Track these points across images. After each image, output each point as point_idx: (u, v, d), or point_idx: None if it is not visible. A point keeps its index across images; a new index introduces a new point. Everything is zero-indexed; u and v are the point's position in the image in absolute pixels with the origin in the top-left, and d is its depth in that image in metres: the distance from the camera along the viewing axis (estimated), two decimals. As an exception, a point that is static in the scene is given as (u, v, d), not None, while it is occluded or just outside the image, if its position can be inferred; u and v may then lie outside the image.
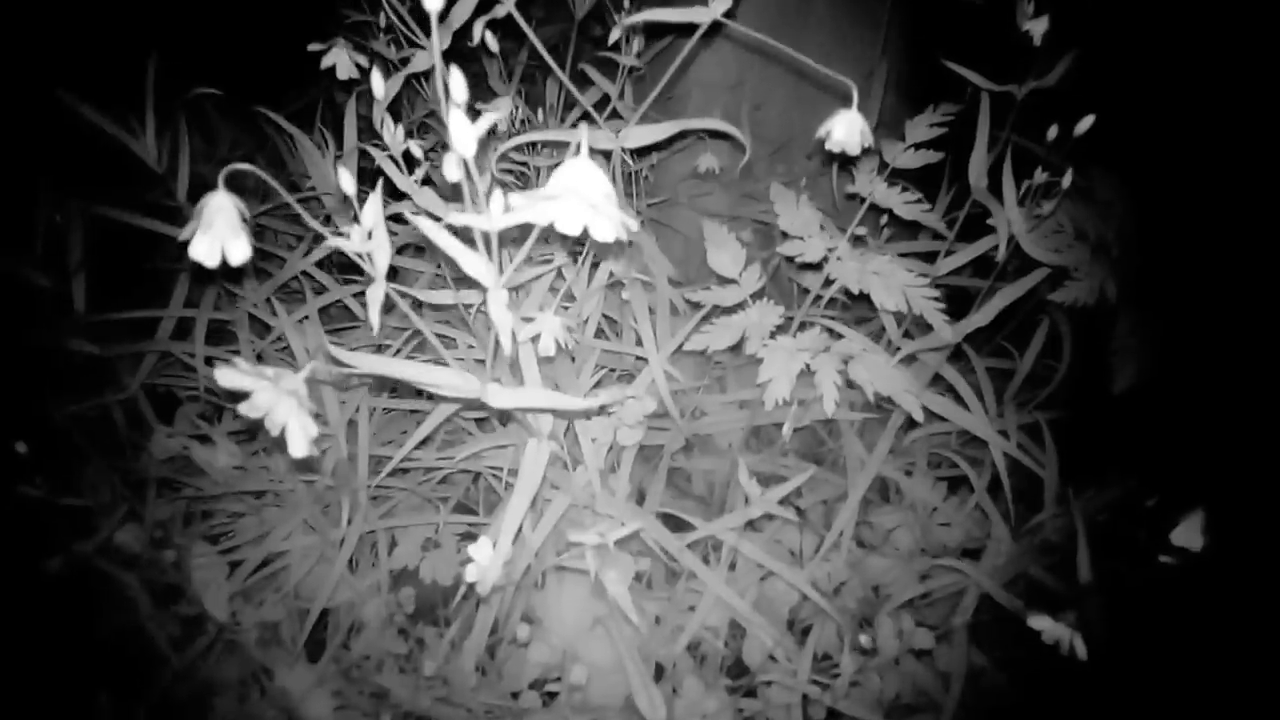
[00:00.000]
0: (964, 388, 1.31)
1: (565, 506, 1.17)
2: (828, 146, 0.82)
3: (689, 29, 0.88)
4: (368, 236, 0.62)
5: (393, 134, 0.92)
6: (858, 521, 1.40)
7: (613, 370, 1.38)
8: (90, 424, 1.29)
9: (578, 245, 1.24)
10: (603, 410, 1.14)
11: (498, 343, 0.70)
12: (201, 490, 1.30)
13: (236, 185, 0.60)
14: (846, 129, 0.80)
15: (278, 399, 0.55)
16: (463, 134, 0.53)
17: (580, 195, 0.51)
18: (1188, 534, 0.88)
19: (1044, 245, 1.07)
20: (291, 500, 1.29)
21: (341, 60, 1.12)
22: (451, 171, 0.55)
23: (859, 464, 1.41)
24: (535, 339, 0.98)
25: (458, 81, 0.53)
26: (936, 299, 1.13)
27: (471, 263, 0.61)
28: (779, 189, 1.24)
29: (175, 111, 1.21)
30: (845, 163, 1.45)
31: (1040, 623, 0.96)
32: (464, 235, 0.63)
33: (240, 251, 0.59)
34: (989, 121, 1.12)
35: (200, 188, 1.21)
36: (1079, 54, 1.00)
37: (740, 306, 1.22)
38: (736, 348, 1.22)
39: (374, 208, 0.61)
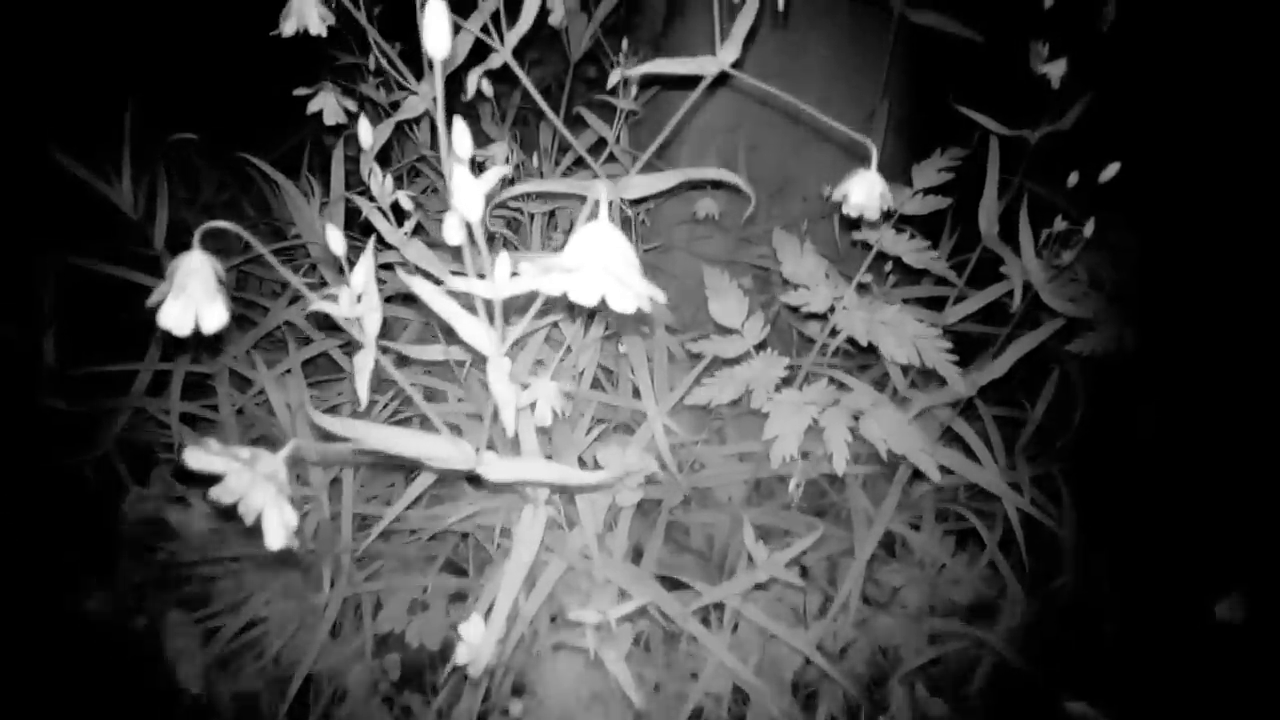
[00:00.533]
0: (974, 439, 1.26)
1: (561, 571, 1.11)
2: (845, 210, 0.78)
3: (692, 78, 0.85)
4: (357, 300, 0.56)
5: (381, 184, 0.87)
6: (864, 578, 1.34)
7: (610, 423, 1.33)
8: (62, 483, 1.22)
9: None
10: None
11: (495, 411, 0.65)
12: (176, 554, 1.23)
13: (218, 234, 0.55)
14: (866, 191, 0.76)
15: (253, 484, 0.50)
16: (468, 194, 0.48)
17: (601, 266, 0.46)
18: (1231, 608, 0.83)
19: (1061, 294, 1.04)
20: (271, 564, 1.22)
21: (329, 105, 1.08)
22: (453, 234, 0.50)
23: (865, 519, 1.36)
24: (532, 405, 0.93)
25: (461, 135, 0.48)
26: (949, 350, 1.08)
27: (470, 330, 0.56)
28: (781, 235, 1.20)
29: (155, 158, 1.16)
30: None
31: (1078, 708, 0.90)
32: (462, 297, 0.58)
33: (215, 318, 0.53)
34: (998, 166, 1.09)
35: (182, 234, 1.16)
36: (1094, 97, 0.97)
37: (743, 358, 1.17)
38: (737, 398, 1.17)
39: (365, 270, 0.56)
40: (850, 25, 1.43)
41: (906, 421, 1.05)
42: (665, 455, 1.20)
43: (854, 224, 1.22)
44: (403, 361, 1.35)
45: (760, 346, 1.17)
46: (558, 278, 0.47)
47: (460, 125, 0.49)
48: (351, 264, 0.62)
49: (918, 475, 1.33)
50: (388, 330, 1.40)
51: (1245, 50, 1.30)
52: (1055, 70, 0.93)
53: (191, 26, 1.64)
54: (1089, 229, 0.97)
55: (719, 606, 1.29)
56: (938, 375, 1.32)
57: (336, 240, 0.56)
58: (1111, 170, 0.91)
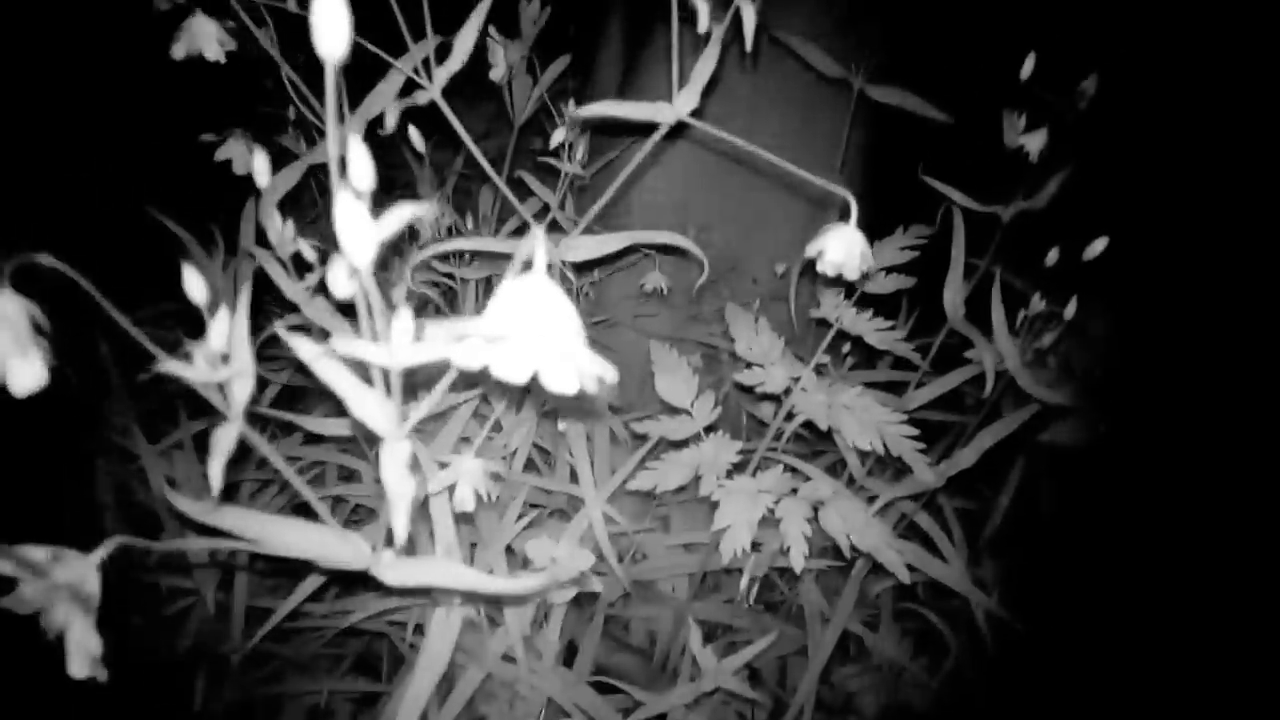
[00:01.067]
0: (937, 534, 1.17)
1: (479, 679, 0.97)
2: (820, 268, 0.69)
3: (643, 131, 0.77)
4: (220, 361, 0.45)
5: (279, 231, 0.76)
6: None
7: (544, 509, 1.21)
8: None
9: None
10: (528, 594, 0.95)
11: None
12: None
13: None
14: (845, 248, 0.67)
15: (52, 595, 0.38)
16: (356, 231, 0.37)
17: (534, 334, 0.36)
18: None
19: (1037, 380, 0.97)
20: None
21: (237, 153, 0.97)
22: (339, 284, 0.40)
23: (819, 618, 1.25)
24: (450, 489, 0.81)
25: (359, 157, 0.38)
26: (915, 438, 1.00)
27: (362, 404, 0.45)
28: (735, 310, 1.12)
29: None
30: (806, 285, 1.35)
31: None
32: (360, 366, 0.47)
33: (28, 376, 0.42)
34: (964, 245, 1.03)
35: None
36: (1071, 173, 0.92)
37: (692, 440, 1.07)
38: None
39: (227, 323, 0.45)
40: (807, 99, 1.39)
41: (870, 515, 0.95)
42: (605, 546, 1.08)
43: (815, 299, 1.15)
44: (314, 438, 1.22)
45: (710, 429, 1.07)
46: (476, 348, 0.37)
47: (358, 144, 0.38)
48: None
49: (875, 569, 1.24)
50: (300, 399, 1.27)
51: (1228, 128, 1.28)
52: (1034, 142, 0.88)
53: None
54: (1070, 311, 0.91)
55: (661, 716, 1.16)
56: (894, 463, 1.23)
57: (196, 286, 0.45)
58: (1098, 247, 0.85)
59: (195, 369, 0.44)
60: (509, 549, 1.07)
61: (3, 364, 0.41)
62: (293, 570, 1.20)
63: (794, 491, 1.00)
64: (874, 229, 1.14)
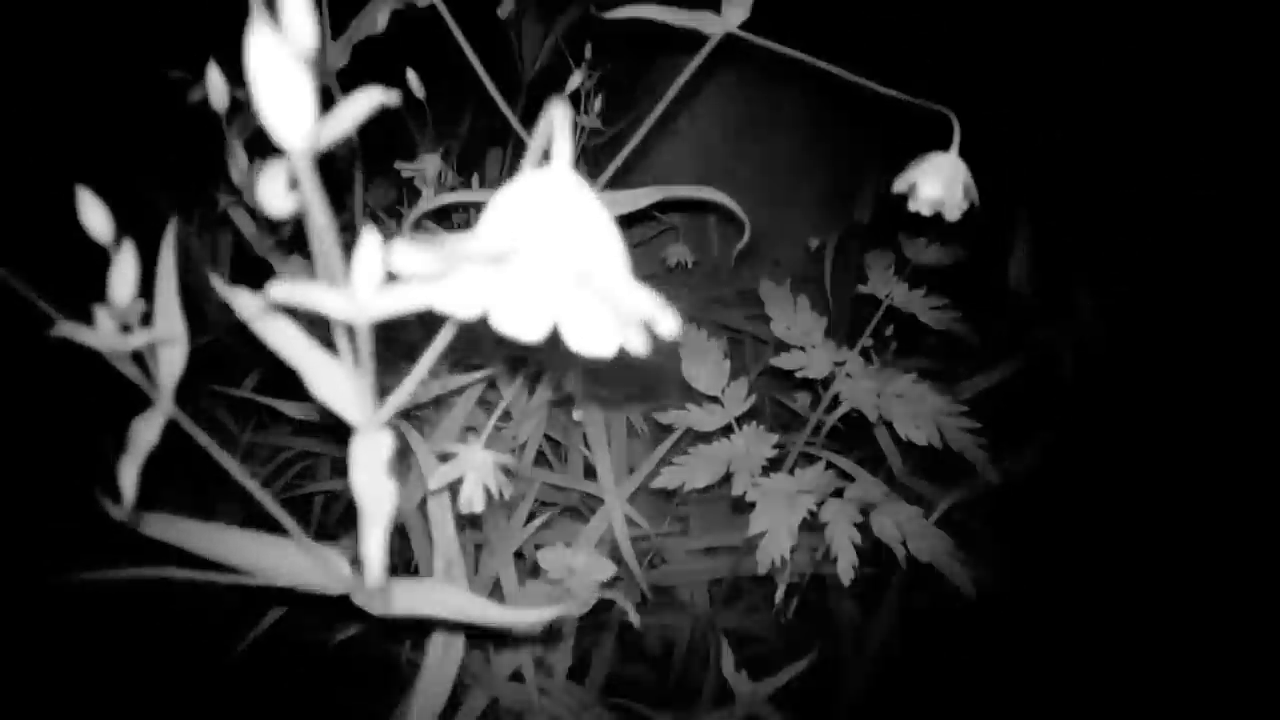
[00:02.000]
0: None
1: (484, 705, 0.86)
2: (912, 207, 0.57)
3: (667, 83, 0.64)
4: (134, 322, 0.33)
5: (243, 170, 0.63)
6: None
7: (556, 508, 1.09)
8: None
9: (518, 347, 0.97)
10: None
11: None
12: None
13: None
14: (946, 181, 0.55)
15: None
16: (288, 98, 0.24)
17: (553, 257, 0.24)
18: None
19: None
20: None
21: (215, 85, 0.84)
22: (273, 194, 0.27)
23: (851, 630, 1.14)
24: (455, 486, 0.69)
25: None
26: (976, 431, 0.88)
27: (323, 380, 0.33)
28: (770, 288, 1.00)
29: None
30: (849, 260, 1.23)
31: None
32: (322, 328, 0.35)
33: None
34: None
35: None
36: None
37: (723, 433, 0.95)
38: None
39: (132, 267, 0.32)
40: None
41: (930, 523, 0.83)
42: (627, 553, 0.97)
43: (860, 278, 1.02)
44: (303, 428, 1.10)
45: (744, 419, 0.95)
46: (471, 286, 0.25)
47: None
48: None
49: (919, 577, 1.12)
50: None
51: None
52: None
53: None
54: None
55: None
56: (939, 460, 1.11)
57: (95, 218, 0.32)
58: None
59: (98, 333, 0.32)
60: (518, 554, 0.95)
61: None
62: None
63: (839, 493, 0.88)
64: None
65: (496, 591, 0.94)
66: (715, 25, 0.57)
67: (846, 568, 0.82)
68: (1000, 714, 1.13)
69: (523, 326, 0.25)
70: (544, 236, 0.23)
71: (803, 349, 0.95)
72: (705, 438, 0.95)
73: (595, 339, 0.25)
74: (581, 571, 0.78)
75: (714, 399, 0.96)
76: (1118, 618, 1.14)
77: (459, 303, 0.25)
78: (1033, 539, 1.18)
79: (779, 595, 0.96)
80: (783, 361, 0.95)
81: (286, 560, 0.46)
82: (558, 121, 0.25)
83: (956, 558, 0.81)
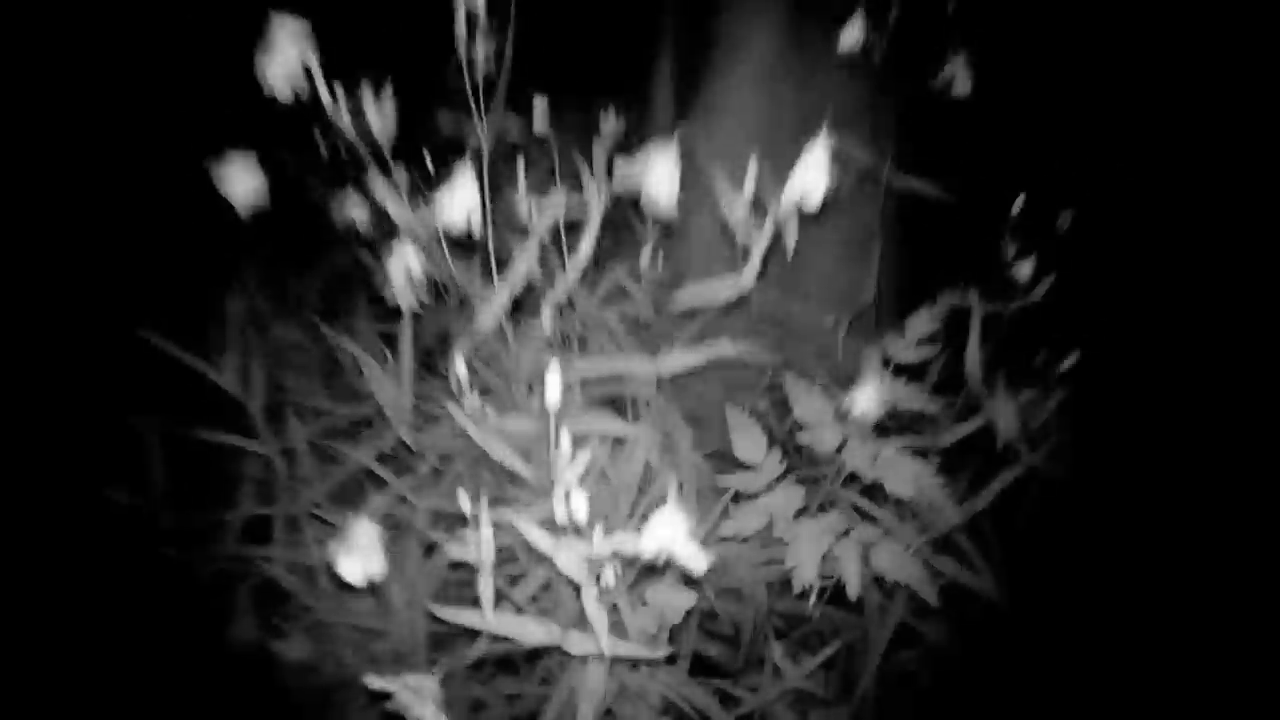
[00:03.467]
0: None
1: (615, 690, 1.27)
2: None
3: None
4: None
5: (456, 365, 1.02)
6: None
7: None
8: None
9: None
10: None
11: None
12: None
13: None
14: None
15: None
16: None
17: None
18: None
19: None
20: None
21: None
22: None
23: (878, 612, 1.53)
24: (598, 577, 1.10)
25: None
26: (945, 485, 1.26)
27: (564, 561, 0.72)
28: (792, 380, 1.38)
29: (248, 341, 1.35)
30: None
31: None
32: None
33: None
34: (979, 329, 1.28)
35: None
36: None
37: (766, 490, 1.35)
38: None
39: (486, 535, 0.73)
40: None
41: (909, 554, 1.22)
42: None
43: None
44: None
45: (779, 479, 1.35)
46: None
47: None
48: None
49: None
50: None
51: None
52: (1023, 269, 1.13)
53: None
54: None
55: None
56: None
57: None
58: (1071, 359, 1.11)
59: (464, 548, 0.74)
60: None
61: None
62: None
63: (848, 533, 1.27)
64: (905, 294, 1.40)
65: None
66: (731, 292, 0.97)
67: (854, 589, 1.22)
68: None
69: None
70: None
71: (816, 428, 1.34)
72: (751, 495, 1.35)
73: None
74: (675, 602, 1.19)
75: (755, 467, 1.36)
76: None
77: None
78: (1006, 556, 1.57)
79: (811, 602, 1.35)
80: (801, 438, 1.34)
81: (523, 629, 0.87)
82: (672, 495, 0.65)
83: (924, 579, 1.20)
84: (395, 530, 1.44)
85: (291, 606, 1.45)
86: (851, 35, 1.38)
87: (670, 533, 0.65)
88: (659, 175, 0.98)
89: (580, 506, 0.75)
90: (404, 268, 1.26)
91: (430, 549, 1.32)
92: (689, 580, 1.33)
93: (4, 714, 1.34)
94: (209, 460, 1.44)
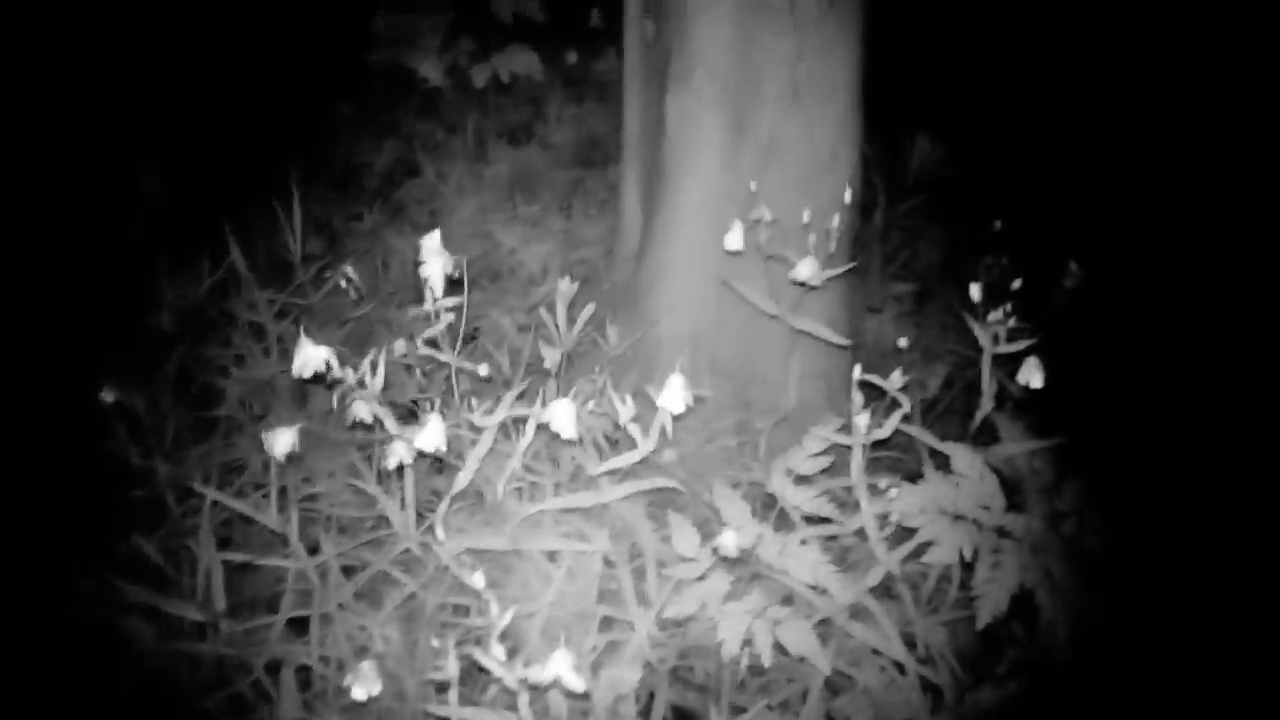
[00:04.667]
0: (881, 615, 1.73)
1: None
2: None
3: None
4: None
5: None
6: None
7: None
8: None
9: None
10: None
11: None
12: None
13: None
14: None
15: None
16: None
17: None
18: None
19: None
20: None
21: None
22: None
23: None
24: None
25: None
26: (838, 572, 1.58)
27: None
28: (721, 489, 1.71)
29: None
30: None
31: None
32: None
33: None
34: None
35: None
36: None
37: (700, 578, 1.67)
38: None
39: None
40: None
41: (809, 629, 1.54)
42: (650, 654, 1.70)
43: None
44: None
45: (712, 570, 1.67)
46: None
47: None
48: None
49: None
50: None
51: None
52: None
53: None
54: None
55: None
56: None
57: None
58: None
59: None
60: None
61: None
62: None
63: (762, 613, 1.59)
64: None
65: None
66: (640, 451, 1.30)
67: (767, 659, 1.53)
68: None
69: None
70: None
71: (737, 528, 1.66)
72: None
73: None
74: (613, 679, 1.52)
75: (692, 559, 1.68)
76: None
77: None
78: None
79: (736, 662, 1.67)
80: (724, 539, 1.65)
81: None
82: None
83: (822, 653, 1.52)
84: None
85: (328, 689, 1.80)
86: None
87: (559, 665, 0.99)
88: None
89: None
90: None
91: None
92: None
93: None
94: (258, 577, 1.81)
